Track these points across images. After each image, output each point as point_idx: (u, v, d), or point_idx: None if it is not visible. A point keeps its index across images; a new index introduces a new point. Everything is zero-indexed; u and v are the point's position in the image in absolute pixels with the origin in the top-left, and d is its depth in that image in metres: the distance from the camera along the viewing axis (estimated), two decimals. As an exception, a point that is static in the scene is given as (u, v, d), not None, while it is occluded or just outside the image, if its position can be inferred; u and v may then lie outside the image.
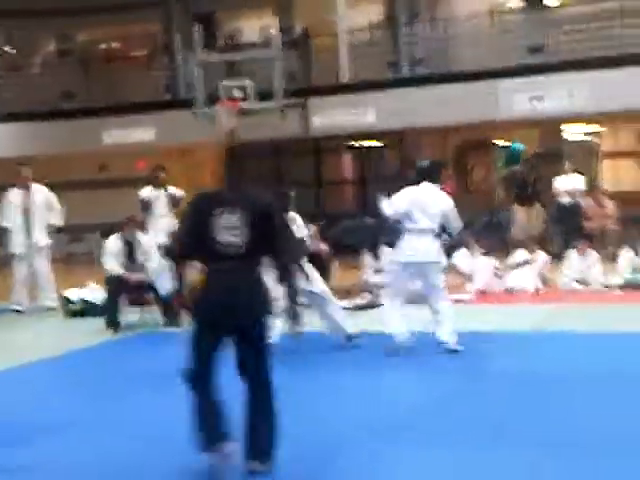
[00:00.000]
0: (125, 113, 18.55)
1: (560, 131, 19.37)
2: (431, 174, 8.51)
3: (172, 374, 5.16)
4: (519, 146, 19.63)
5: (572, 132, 19.59)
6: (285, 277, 5.18)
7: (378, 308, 11.23)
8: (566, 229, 14.77)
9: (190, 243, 5.04)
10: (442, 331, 8.17)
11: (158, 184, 12.45)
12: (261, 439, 4.92)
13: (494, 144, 20.27)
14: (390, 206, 8.35)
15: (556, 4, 18.49)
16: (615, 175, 19.59)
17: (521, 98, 16.35)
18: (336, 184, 20.22)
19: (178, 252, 5.26)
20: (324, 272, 12.16)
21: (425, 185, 8.38)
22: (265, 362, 4.99)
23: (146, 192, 12.45)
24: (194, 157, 19.99)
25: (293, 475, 4.97)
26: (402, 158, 19.17)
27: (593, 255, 12.15)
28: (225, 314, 4.91)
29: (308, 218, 9.80)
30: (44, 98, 19.71)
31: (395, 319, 8.34)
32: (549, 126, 18.89)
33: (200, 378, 4.92)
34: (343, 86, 17.42)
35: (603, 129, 19.29)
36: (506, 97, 16.35)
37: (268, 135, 17.65)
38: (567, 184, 15.16)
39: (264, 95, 16.57)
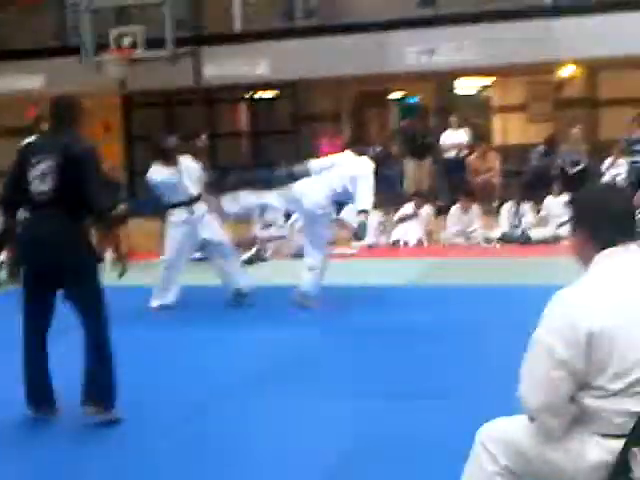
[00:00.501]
0: (12, 59, 17.96)
1: (452, 85, 19.56)
2: None
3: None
4: (413, 99, 19.79)
5: (464, 86, 19.79)
6: (100, 224, 5.21)
7: (266, 262, 11.36)
8: (451, 184, 15.00)
9: (13, 193, 5.14)
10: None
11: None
12: (91, 384, 5.01)
13: (389, 97, 20.34)
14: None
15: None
16: (505, 129, 19.91)
17: (411, 51, 16.42)
18: (229, 136, 20.02)
19: (2, 201, 5.35)
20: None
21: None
22: (89, 308, 5.02)
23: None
24: (86, 107, 19.54)
25: (165, 424, 5.07)
26: (296, 110, 19.11)
27: (474, 210, 12.39)
28: (35, 261, 5.00)
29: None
30: None
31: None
32: (441, 80, 19.06)
33: (28, 332, 4.98)
34: (236, 35, 17.19)
35: (492, 82, 19.49)
36: (396, 50, 16.39)
37: (159, 85, 17.39)
38: (452, 138, 15.35)
39: (155, 43, 16.28)
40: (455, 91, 19.58)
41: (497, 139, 18.73)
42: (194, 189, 8.71)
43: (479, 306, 7.93)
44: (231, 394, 5.60)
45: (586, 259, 2.79)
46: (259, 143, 19.96)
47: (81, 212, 5.01)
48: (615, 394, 2.58)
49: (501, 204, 13.05)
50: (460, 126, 15.60)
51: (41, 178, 4.94)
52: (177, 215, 8.63)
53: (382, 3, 17.37)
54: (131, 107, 19.63)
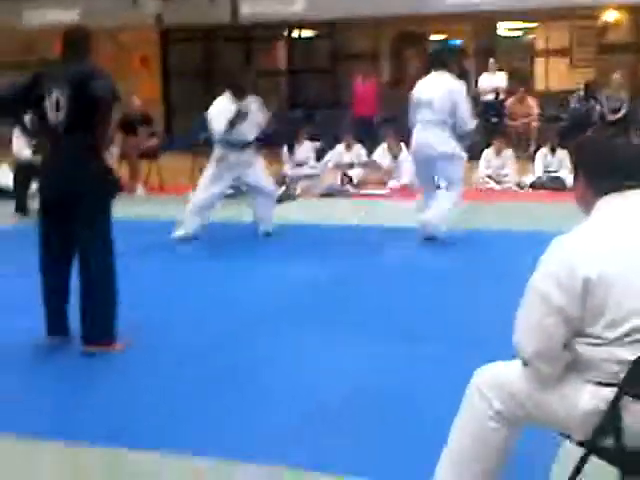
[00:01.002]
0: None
1: (495, 28, 19.20)
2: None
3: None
4: (453, 42, 19.47)
5: (506, 29, 19.43)
6: (99, 150, 5.06)
7: (295, 200, 11.34)
8: (488, 127, 14.80)
9: (18, 95, 5.16)
10: None
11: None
12: (88, 322, 5.00)
13: (430, 38, 20.04)
14: None
15: None
16: (548, 73, 19.55)
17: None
18: (267, 74, 19.88)
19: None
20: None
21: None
22: (94, 241, 5.00)
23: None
24: (123, 40, 19.49)
25: (198, 351, 5.10)
26: (334, 50, 18.91)
27: (508, 153, 12.23)
28: (49, 190, 5.06)
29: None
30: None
31: None
32: (483, 22, 18.72)
33: (44, 263, 5.02)
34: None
35: (535, 26, 19.10)
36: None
37: (196, 21, 17.28)
38: (490, 82, 15.12)
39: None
40: (497, 34, 19.22)
41: (539, 84, 18.41)
42: (250, 134, 8.54)
43: (506, 251, 7.81)
44: (255, 325, 5.60)
45: (587, 205, 2.74)
46: (297, 82, 19.83)
47: (97, 141, 4.99)
48: (609, 342, 2.52)
49: (537, 149, 12.84)
50: (499, 69, 15.31)
51: (55, 108, 4.92)
52: (221, 155, 8.45)
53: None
54: (168, 42, 19.54)
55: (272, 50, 20.34)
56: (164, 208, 10.44)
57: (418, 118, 8.22)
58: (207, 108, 8.53)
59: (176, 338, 5.36)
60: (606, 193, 2.69)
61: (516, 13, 17.06)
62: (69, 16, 17.90)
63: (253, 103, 8.59)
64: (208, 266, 7.49)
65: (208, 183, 8.49)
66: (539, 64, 19.51)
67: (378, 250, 8.00)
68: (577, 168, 2.84)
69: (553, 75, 19.17)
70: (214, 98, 8.61)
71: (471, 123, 8.36)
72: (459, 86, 8.26)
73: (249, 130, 8.48)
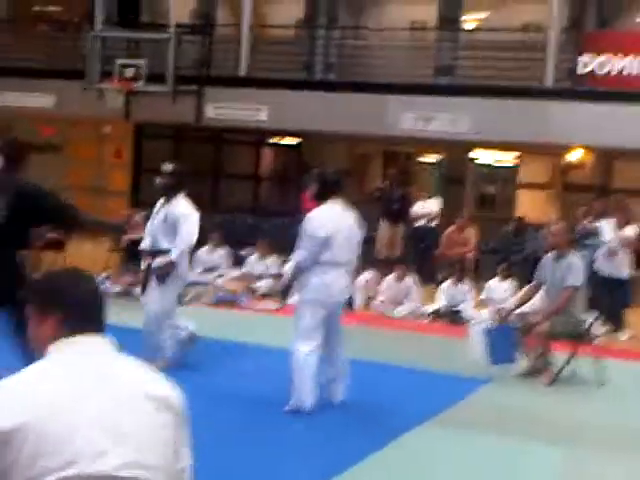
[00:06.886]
0: (27, 77, 18.38)
1: (466, 154, 19.35)
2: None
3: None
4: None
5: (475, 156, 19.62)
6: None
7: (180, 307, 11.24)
8: (419, 252, 14.78)
9: None
10: None
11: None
12: None
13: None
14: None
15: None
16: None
17: (408, 117, 16.28)
18: (235, 178, 20.15)
19: None
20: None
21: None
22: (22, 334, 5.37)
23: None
24: (102, 130, 19.90)
25: None
26: (301, 161, 19.11)
27: (408, 280, 12.16)
28: None
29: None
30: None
31: None
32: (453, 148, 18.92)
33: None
34: (241, 79, 17.33)
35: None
36: (394, 114, 16.26)
37: (159, 119, 17.62)
38: (423, 207, 15.14)
39: (160, 79, 16.53)
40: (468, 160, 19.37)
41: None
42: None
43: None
44: None
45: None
46: (262, 187, 20.08)
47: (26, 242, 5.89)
48: None
49: (442, 280, 12.74)
50: (429, 197, 15.41)
51: None
52: None
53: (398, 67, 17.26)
54: (141, 137, 19.91)
55: (239, 154, 20.58)
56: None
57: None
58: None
59: None
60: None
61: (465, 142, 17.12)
62: (46, 102, 18.41)
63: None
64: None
65: None
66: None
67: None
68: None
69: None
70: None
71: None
72: None
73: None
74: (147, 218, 8.04)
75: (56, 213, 5.81)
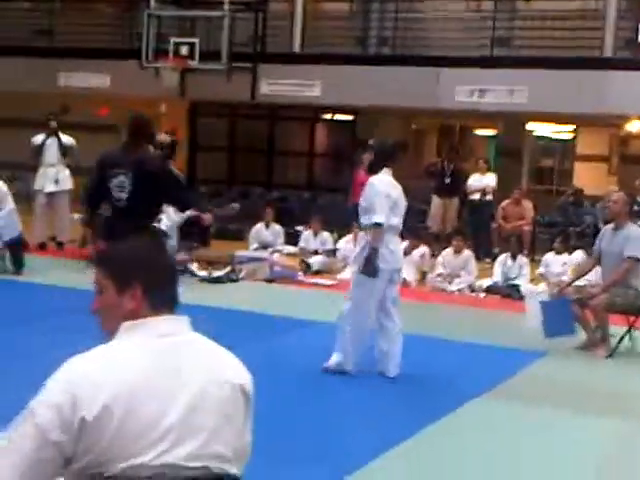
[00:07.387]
0: (84, 57, 18.54)
1: (522, 127, 19.16)
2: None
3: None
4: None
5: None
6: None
7: (236, 282, 11.32)
8: (474, 226, 14.66)
9: (95, 196, 6.45)
10: None
11: (50, 131, 12.58)
12: None
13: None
14: None
15: None
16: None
17: (463, 89, 16.11)
18: (288, 155, 20.15)
19: (87, 203, 6.67)
20: (204, 239, 12.34)
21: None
22: None
23: (38, 138, 12.59)
24: (157, 109, 20.00)
25: None
26: (355, 137, 19.02)
27: (466, 254, 12.07)
28: None
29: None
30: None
31: None
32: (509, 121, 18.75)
33: None
34: (295, 55, 17.28)
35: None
36: (449, 87, 16.11)
37: (214, 97, 17.67)
38: (479, 182, 15.00)
39: (214, 56, 16.57)
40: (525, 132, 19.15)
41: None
42: None
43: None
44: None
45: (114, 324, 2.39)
46: (316, 163, 20.05)
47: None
48: None
49: (499, 254, 12.62)
50: (487, 170, 15.23)
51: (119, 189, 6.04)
52: None
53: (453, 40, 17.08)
54: (196, 115, 19.99)
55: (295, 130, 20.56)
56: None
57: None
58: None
59: None
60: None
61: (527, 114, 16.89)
62: (101, 81, 18.56)
63: None
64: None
65: None
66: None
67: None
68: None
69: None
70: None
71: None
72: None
73: None
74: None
75: (176, 194, 6.42)
